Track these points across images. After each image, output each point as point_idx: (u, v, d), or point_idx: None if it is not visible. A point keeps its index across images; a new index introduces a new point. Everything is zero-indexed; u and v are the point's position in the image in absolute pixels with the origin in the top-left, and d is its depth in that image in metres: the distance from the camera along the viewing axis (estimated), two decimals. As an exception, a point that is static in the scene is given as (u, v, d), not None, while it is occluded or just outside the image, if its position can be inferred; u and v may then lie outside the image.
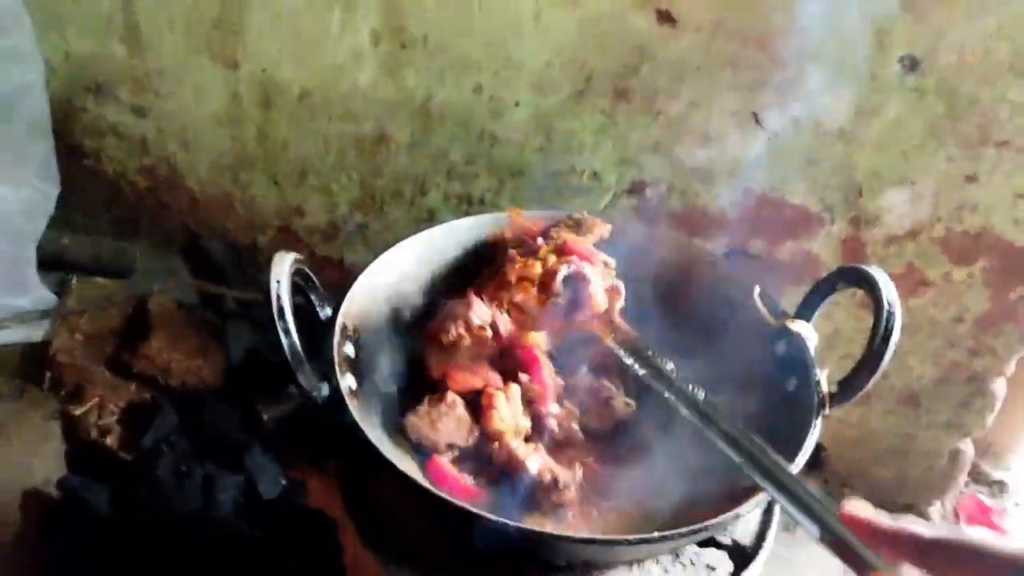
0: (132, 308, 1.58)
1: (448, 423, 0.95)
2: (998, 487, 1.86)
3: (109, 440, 1.41)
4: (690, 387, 0.89)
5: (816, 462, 1.76)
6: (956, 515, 1.79)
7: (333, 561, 1.27)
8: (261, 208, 1.68)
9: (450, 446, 0.95)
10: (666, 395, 0.90)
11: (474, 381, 0.97)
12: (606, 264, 1.02)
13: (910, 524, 0.57)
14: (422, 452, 0.94)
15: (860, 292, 1.45)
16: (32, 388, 1.49)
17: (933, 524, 0.57)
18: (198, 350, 1.54)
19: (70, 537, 1.36)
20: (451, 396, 0.96)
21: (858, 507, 0.61)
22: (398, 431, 0.96)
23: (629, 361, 0.95)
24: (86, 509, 1.36)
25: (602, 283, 0.98)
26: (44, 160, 1.56)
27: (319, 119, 1.54)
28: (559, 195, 1.51)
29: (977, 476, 1.86)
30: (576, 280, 0.97)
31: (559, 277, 0.97)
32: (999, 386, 1.55)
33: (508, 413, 0.94)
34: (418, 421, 0.95)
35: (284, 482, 1.46)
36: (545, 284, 0.97)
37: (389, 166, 1.56)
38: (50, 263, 1.63)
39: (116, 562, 1.36)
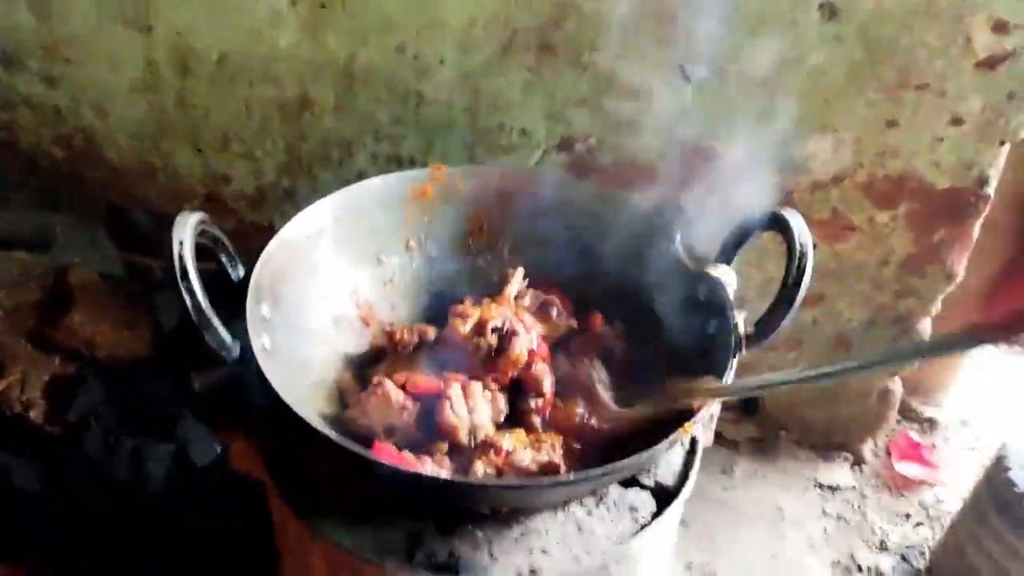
0: (53, 281, 1.53)
1: (381, 407, 0.94)
2: (928, 424, 1.92)
3: (33, 414, 1.38)
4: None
5: (752, 407, 1.79)
6: (888, 452, 1.84)
7: (265, 526, 1.27)
8: (185, 177, 1.63)
9: (389, 430, 0.94)
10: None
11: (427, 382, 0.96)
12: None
13: None
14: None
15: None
16: (-50, 366, 1.44)
17: None
18: (124, 322, 1.51)
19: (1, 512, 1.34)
20: (384, 384, 0.94)
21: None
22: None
23: None
24: (13, 485, 1.33)
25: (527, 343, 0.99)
26: (-45, 133, 1.51)
27: (240, 84, 1.50)
28: (489, 153, 1.49)
29: (908, 414, 1.92)
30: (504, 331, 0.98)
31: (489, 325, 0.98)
32: (925, 326, 1.59)
33: (463, 409, 0.93)
34: (353, 411, 0.94)
35: (218, 448, 1.45)
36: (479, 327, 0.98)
37: (314, 129, 1.53)
38: (-34, 239, 1.57)
39: (47, 539, 1.34)
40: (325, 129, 1.52)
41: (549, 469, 0.90)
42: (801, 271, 0.90)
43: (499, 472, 0.88)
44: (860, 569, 1.61)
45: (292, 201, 1.62)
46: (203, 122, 1.55)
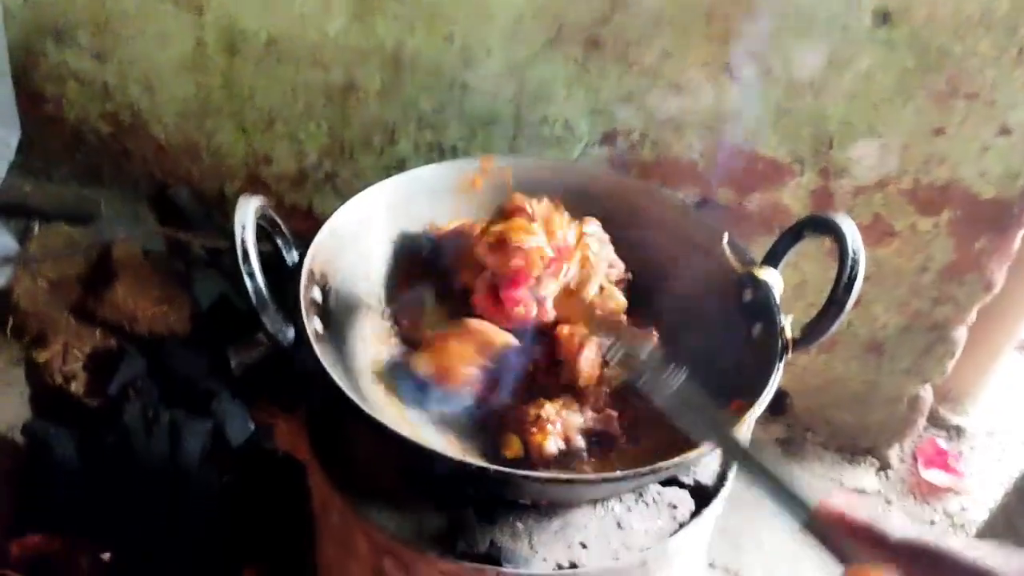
0: (96, 255, 1.55)
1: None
2: (955, 431, 1.92)
3: (74, 386, 1.41)
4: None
5: (781, 408, 1.80)
6: (915, 458, 1.84)
7: (300, 505, 1.29)
8: (228, 156, 1.65)
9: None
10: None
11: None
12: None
13: (882, 522, 0.59)
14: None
15: (828, 242, 1.47)
16: (-6, 334, 1.47)
17: (907, 524, 0.58)
18: (164, 297, 1.53)
19: (36, 484, 1.36)
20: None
21: (839, 500, 0.62)
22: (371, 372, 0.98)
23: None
24: (52, 455, 1.35)
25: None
26: (4, 105, 1.52)
27: (286, 66, 1.51)
28: (531, 144, 1.50)
29: (936, 421, 1.91)
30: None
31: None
32: (960, 334, 1.58)
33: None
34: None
35: (252, 427, 1.47)
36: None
37: (358, 115, 1.54)
38: (12, 210, 1.60)
39: (84, 509, 1.36)
40: (369, 114, 1.53)
41: (604, 437, 0.91)
42: (853, 278, 0.90)
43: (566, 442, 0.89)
44: (884, 572, 1.61)
45: (332, 184, 1.63)
46: (248, 103, 1.56)
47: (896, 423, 1.77)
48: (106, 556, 1.37)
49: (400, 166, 1.57)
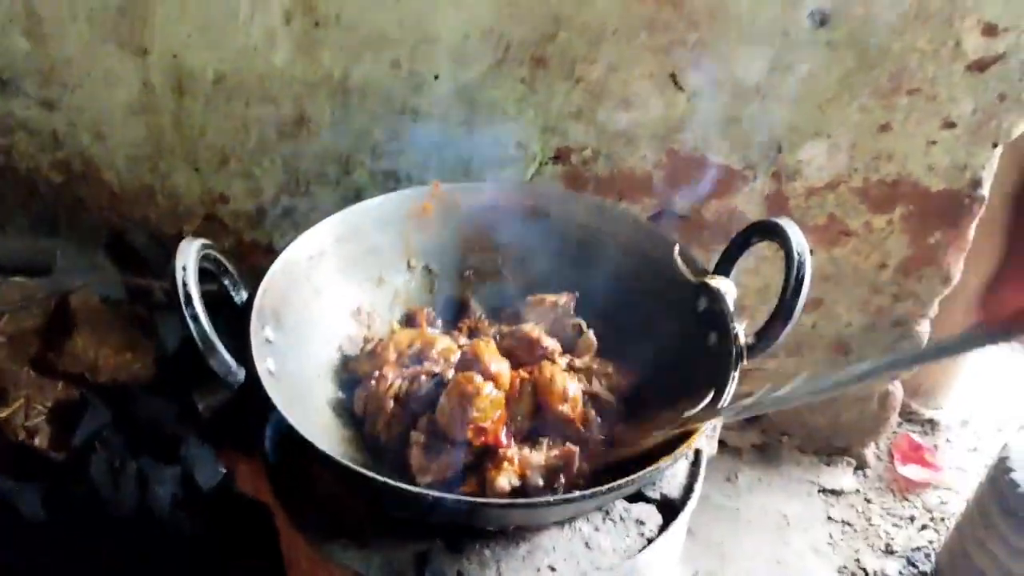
0: (54, 306, 1.53)
1: None
2: (929, 425, 1.93)
3: (38, 440, 1.38)
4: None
5: (754, 415, 1.80)
6: (891, 455, 1.84)
7: (274, 548, 1.27)
8: (184, 197, 1.63)
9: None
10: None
11: None
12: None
13: None
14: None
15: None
16: (-47, 394, 1.44)
17: None
18: (127, 345, 1.51)
19: (4, 542, 1.33)
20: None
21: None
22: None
23: None
24: (18, 513, 1.33)
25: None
26: (-48, 160, 1.51)
27: (236, 103, 1.50)
28: (485, 166, 1.50)
29: (909, 416, 1.92)
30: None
31: None
32: (924, 328, 1.59)
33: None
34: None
35: (223, 470, 1.45)
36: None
37: (312, 147, 1.53)
38: (-34, 265, 1.57)
39: (53, 566, 1.34)
40: (322, 146, 1.52)
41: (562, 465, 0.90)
42: (800, 280, 0.91)
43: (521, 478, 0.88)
44: (867, 574, 1.61)
45: (291, 219, 1.62)
46: (200, 142, 1.55)
47: (869, 421, 1.78)
48: (80, 612, 1.34)
49: (357, 196, 1.56)
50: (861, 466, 1.82)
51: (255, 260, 1.65)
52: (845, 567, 1.63)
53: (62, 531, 1.35)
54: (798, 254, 0.91)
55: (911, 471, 1.81)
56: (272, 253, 1.66)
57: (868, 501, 1.77)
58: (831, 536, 1.69)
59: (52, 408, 1.43)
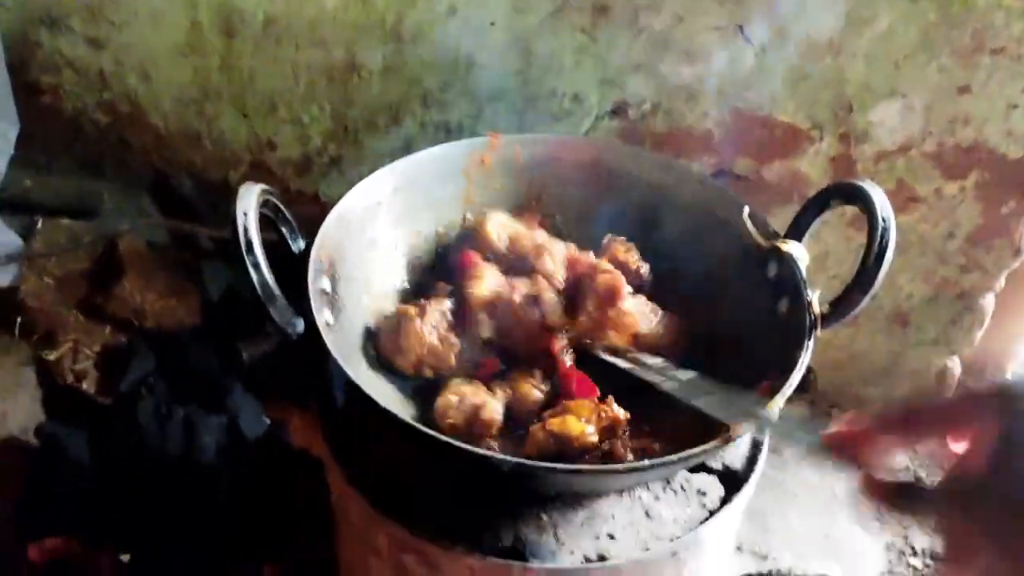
0: (101, 249, 1.52)
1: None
2: (985, 403, 1.87)
3: (86, 385, 1.38)
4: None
5: (804, 385, 1.74)
6: (943, 432, 1.79)
7: (319, 500, 1.26)
8: (230, 143, 1.61)
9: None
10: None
11: None
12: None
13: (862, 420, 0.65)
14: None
15: (849, 211, 1.43)
16: (2, 334, 1.44)
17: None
18: (172, 290, 1.50)
19: (51, 485, 1.34)
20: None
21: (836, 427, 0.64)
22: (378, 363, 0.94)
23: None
24: (66, 456, 1.33)
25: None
26: (2, 98, 1.49)
27: (286, 47, 1.46)
28: (539, 119, 1.45)
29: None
30: None
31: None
32: (988, 302, 1.53)
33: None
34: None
35: (268, 421, 1.44)
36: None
37: (361, 95, 1.50)
38: (13, 206, 1.57)
39: (100, 509, 1.34)
40: (372, 94, 1.49)
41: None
42: (884, 247, 0.86)
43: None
44: (915, 552, 1.58)
45: (338, 168, 1.59)
46: (248, 86, 1.52)
47: (923, 396, 1.73)
48: (125, 558, 1.35)
49: (406, 147, 1.53)
50: (911, 441, 1.78)
51: (301, 209, 1.61)
52: (893, 544, 1.59)
53: (109, 475, 1.36)
54: (883, 219, 0.86)
55: (964, 449, 1.77)
56: (318, 202, 1.66)
57: (918, 478, 1.72)
58: (879, 513, 1.66)
59: (100, 352, 1.43)
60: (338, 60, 1.46)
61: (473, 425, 0.87)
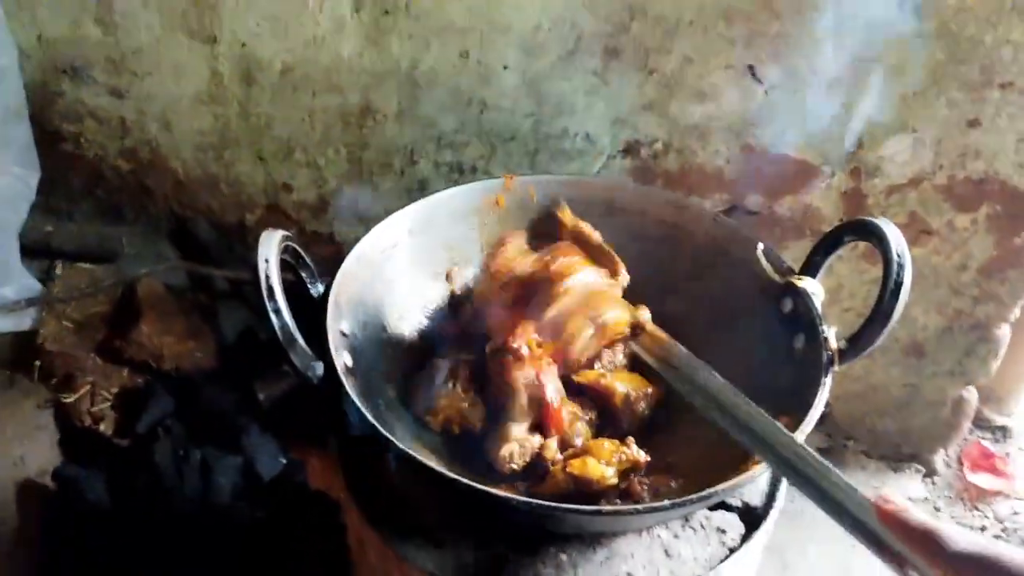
0: (120, 293, 1.54)
1: None
2: (1001, 432, 1.85)
3: (103, 427, 1.39)
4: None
5: (820, 417, 1.74)
6: (960, 462, 1.78)
7: (337, 540, 1.26)
8: (247, 186, 1.64)
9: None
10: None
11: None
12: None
13: (941, 530, 0.54)
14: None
15: (862, 244, 1.43)
16: (22, 378, 1.46)
17: (966, 532, 0.53)
18: (190, 333, 1.52)
19: (69, 528, 1.35)
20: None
21: (891, 500, 0.57)
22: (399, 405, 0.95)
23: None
24: (84, 499, 1.34)
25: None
26: (23, 146, 1.52)
27: (302, 93, 1.49)
28: (552, 159, 1.47)
29: (980, 422, 1.85)
30: None
31: None
32: (1004, 332, 1.53)
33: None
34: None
35: (283, 461, 1.45)
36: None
37: (376, 137, 1.52)
38: (34, 251, 1.59)
39: (117, 552, 1.34)
40: (387, 137, 1.51)
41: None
42: (899, 283, 0.86)
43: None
44: (937, 584, 1.56)
45: (354, 209, 1.61)
46: (266, 132, 1.55)
47: (940, 427, 1.72)
48: (142, 599, 1.35)
49: (421, 187, 1.55)
50: (930, 473, 1.76)
51: (317, 250, 1.64)
52: (915, 577, 1.57)
53: (126, 517, 1.36)
54: (898, 255, 0.87)
55: (982, 479, 1.75)
56: (334, 243, 1.67)
57: (937, 510, 1.70)
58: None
59: (117, 394, 1.44)
60: (353, 105, 1.48)
61: (536, 466, 0.89)
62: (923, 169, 1.37)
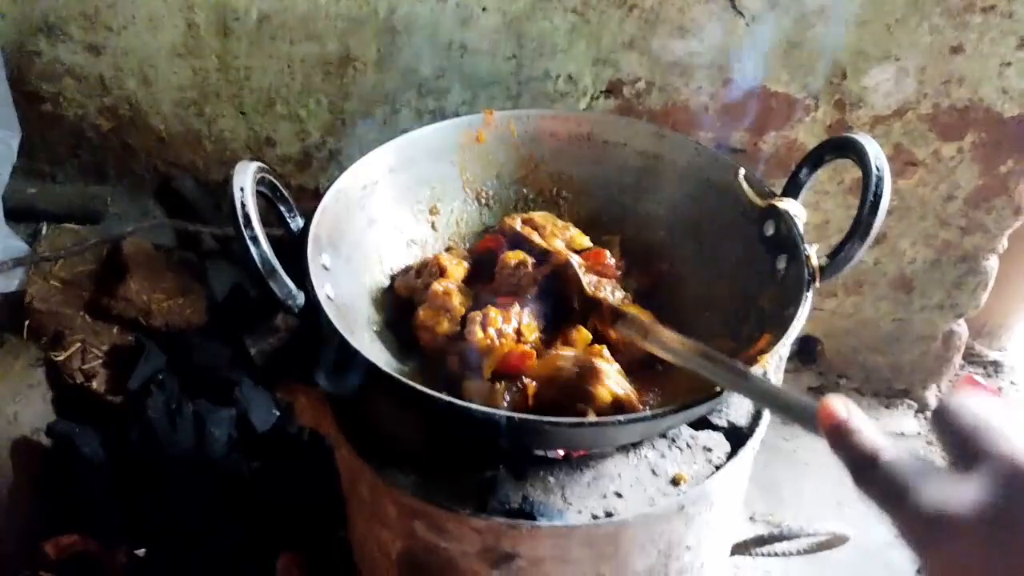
0: (106, 252, 1.54)
1: None
2: (993, 367, 1.87)
3: (95, 384, 1.39)
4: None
5: (812, 356, 1.75)
6: (953, 398, 1.79)
7: (330, 488, 1.27)
8: (230, 142, 1.62)
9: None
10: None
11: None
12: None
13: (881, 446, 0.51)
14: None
15: (848, 178, 1.43)
16: (11, 337, 1.46)
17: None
18: (178, 289, 1.51)
19: (65, 483, 1.35)
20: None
21: (835, 414, 0.55)
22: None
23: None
24: (78, 454, 1.34)
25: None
26: (2, 108, 1.50)
27: (281, 42, 1.48)
28: (534, 102, 1.46)
29: (972, 358, 1.86)
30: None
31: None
32: (992, 263, 1.53)
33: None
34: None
35: (277, 413, 1.45)
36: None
37: (357, 87, 1.51)
38: (19, 213, 1.58)
39: (114, 506, 1.35)
40: (368, 86, 1.50)
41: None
42: (878, 196, 0.86)
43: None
44: (930, 515, 1.57)
45: (337, 161, 1.60)
46: (245, 84, 1.53)
47: (931, 362, 1.73)
48: (141, 552, 1.36)
49: (404, 136, 1.54)
50: (922, 409, 1.77)
51: (303, 205, 1.63)
52: (907, 510, 1.59)
53: (122, 472, 1.37)
54: (876, 168, 0.86)
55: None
56: (319, 197, 1.66)
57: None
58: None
59: (108, 352, 1.44)
60: (332, 53, 1.47)
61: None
62: (907, 99, 1.36)
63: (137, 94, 1.59)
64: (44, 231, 1.55)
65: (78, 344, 1.42)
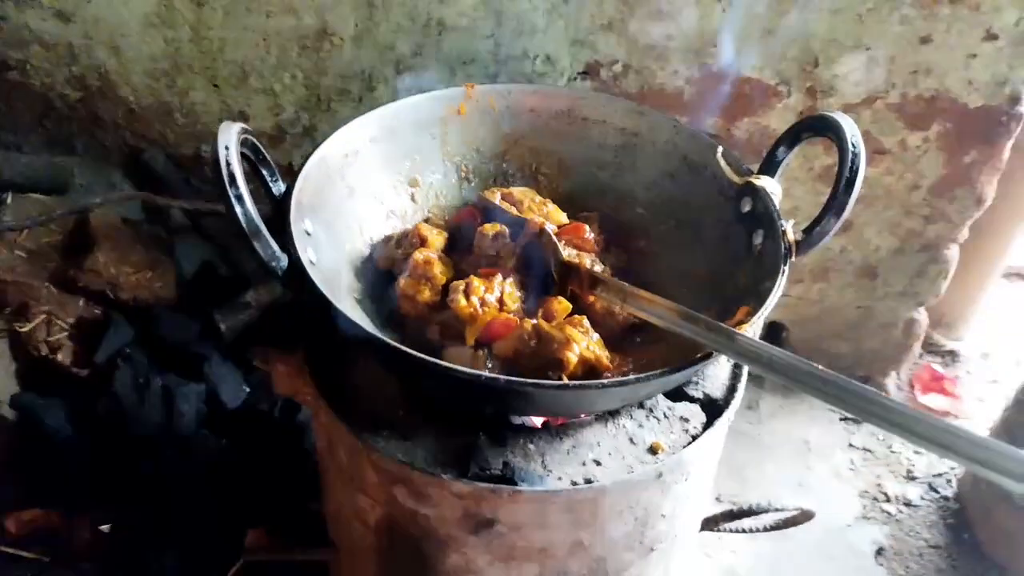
0: (74, 223, 1.50)
1: None
2: (950, 357, 1.92)
3: (61, 356, 1.37)
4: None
5: (778, 342, 1.78)
6: (912, 385, 1.84)
7: (299, 464, 1.27)
8: (202, 115, 1.60)
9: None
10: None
11: None
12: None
13: None
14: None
15: (817, 165, 1.46)
16: (-26, 308, 1.42)
17: None
18: (147, 263, 1.49)
19: (30, 456, 1.33)
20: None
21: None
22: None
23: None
24: (44, 427, 1.32)
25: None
26: (-34, 76, 1.47)
27: (256, 14, 1.46)
28: (512, 82, 1.46)
29: (930, 347, 1.91)
30: None
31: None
32: (953, 252, 1.58)
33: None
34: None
35: (247, 389, 1.44)
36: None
37: (334, 62, 1.50)
38: (-18, 183, 1.54)
39: (79, 480, 1.33)
40: (345, 61, 1.49)
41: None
42: (855, 171, 0.88)
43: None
44: (888, 498, 1.62)
45: (311, 138, 1.59)
46: (219, 56, 1.51)
47: (892, 349, 1.77)
48: (106, 528, 1.34)
49: (380, 114, 1.53)
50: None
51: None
52: (867, 492, 1.63)
53: (88, 445, 1.35)
54: (853, 146, 0.88)
55: (932, 400, 1.81)
56: (292, 173, 1.64)
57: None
58: (852, 462, 1.69)
59: (74, 324, 1.41)
60: (309, 27, 1.45)
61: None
62: (876, 87, 1.39)
63: (107, 64, 1.56)
64: (8, 200, 1.51)
65: (43, 315, 1.39)
